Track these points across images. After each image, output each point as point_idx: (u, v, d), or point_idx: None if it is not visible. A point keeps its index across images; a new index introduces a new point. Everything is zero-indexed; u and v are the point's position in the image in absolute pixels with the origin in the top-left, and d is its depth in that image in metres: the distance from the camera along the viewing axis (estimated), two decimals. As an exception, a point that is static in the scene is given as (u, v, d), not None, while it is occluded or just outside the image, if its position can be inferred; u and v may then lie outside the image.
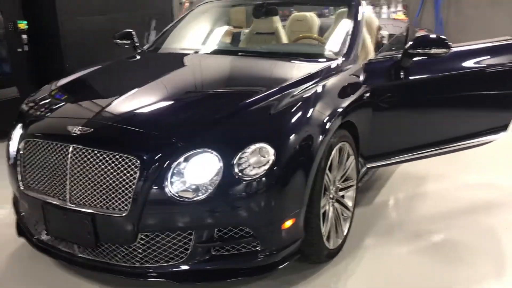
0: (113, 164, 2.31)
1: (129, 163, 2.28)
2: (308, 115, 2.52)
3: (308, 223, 2.51)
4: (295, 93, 2.64)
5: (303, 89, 2.70)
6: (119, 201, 2.29)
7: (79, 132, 2.43)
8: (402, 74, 3.29)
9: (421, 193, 3.76)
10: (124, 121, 2.53)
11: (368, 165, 3.30)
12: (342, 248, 2.89)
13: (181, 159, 2.29)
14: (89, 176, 2.35)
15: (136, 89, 2.82)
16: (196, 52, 3.68)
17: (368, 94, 3.08)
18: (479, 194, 3.72)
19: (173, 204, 2.26)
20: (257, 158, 2.30)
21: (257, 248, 2.36)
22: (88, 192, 2.35)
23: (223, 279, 2.42)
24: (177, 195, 2.26)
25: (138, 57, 3.73)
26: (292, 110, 2.50)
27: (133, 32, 4.20)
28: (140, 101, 2.74)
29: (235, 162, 2.27)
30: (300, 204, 2.42)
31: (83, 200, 2.37)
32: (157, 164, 2.27)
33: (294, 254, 2.50)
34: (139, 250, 2.36)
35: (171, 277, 2.37)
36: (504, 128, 3.64)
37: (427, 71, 3.39)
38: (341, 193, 2.89)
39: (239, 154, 2.29)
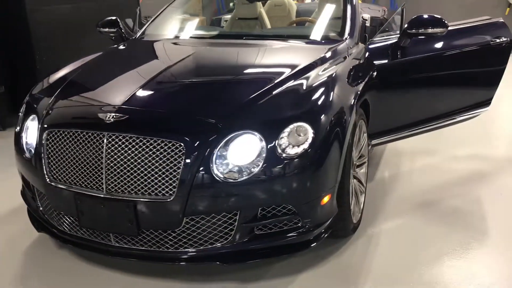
0: (154, 150, 2.28)
1: (173, 148, 2.27)
2: (338, 93, 2.60)
3: (340, 198, 2.60)
4: (319, 73, 2.71)
5: (325, 69, 2.77)
6: (164, 186, 2.28)
7: (113, 119, 2.38)
8: (399, 54, 3.43)
9: (416, 168, 3.94)
10: (160, 106, 2.51)
11: (373, 142, 3.43)
12: (360, 221, 3.01)
13: (225, 141, 2.30)
14: (128, 163, 2.31)
15: (158, 74, 2.78)
16: (200, 38, 3.67)
17: (375, 73, 3.20)
18: (470, 165, 3.96)
19: (219, 186, 2.28)
20: (295, 137, 2.35)
21: (298, 225, 2.42)
22: (128, 179, 2.31)
23: (266, 257, 2.47)
24: (222, 177, 2.27)
25: (137, 44, 3.67)
26: (323, 89, 2.56)
27: (119, 20, 4.11)
28: (168, 85, 2.71)
29: (277, 142, 2.31)
30: (335, 179, 2.50)
31: (122, 188, 2.33)
32: (201, 147, 2.27)
33: (327, 229, 2.59)
34: (184, 235, 2.35)
35: (217, 259, 2.39)
36: (487, 103, 3.88)
37: (420, 50, 3.55)
38: (357, 170, 3.00)
39: (280, 134, 2.33)
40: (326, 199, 2.46)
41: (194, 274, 2.59)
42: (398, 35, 3.45)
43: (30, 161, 2.64)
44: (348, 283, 2.50)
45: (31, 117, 2.77)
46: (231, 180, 2.28)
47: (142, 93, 2.58)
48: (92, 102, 2.66)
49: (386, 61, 3.41)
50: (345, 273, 2.58)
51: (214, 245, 2.37)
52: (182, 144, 2.27)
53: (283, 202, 2.36)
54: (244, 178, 2.28)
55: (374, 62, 3.30)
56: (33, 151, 2.64)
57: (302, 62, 2.84)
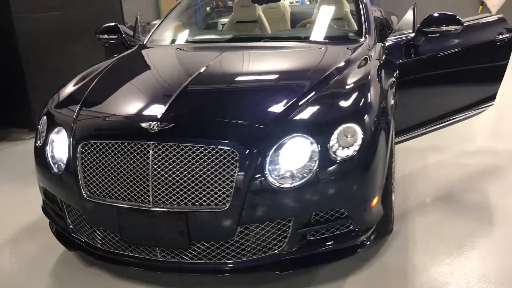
0: (205, 158, 2.20)
1: (226, 155, 2.19)
2: (376, 93, 2.57)
3: (384, 198, 2.57)
4: (353, 74, 2.68)
5: (357, 70, 2.74)
6: (217, 195, 2.20)
7: (158, 128, 2.28)
8: (413, 52, 3.46)
9: (430, 165, 3.98)
10: (206, 112, 2.42)
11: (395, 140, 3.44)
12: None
13: (277, 146, 2.24)
14: (177, 173, 2.21)
15: (191, 81, 2.68)
16: (215, 42, 3.59)
17: (397, 72, 3.20)
18: (482, 160, 4.03)
19: (274, 193, 2.21)
20: (344, 139, 2.31)
21: (350, 228, 2.38)
22: (177, 190, 2.22)
23: (320, 263, 2.42)
24: (277, 183, 2.21)
25: (152, 50, 3.58)
26: (364, 90, 2.54)
27: (120, 26, 4.00)
28: (206, 92, 2.63)
29: (329, 145, 2.27)
30: (382, 180, 2.47)
31: (170, 200, 2.24)
32: (254, 153, 2.20)
33: (373, 232, 2.56)
34: (237, 244, 2.28)
35: (271, 268, 2.32)
36: (492, 98, 3.95)
37: (432, 49, 3.58)
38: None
39: (331, 136, 2.29)
40: (375, 200, 2.43)
41: (240, 283, 2.51)
42: (413, 34, 3.47)
43: (60, 176, 2.51)
44: (396, 286, 2.47)
45: (55, 130, 2.63)
46: (285, 186, 2.22)
47: (181, 100, 2.48)
48: (127, 111, 2.55)
49: (402, 59, 3.42)
50: (391, 275, 2.56)
51: (267, 254, 2.30)
52: (235, 151, 2.19)
53: (337, 205, 2.31)
54: (298, 183, 2.22)
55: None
56: (63, 165, 2.51)
57: (333, 63, 2.80)
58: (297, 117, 2.34)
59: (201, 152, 2.21)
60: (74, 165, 2.42)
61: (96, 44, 5.83)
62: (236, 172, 2.18)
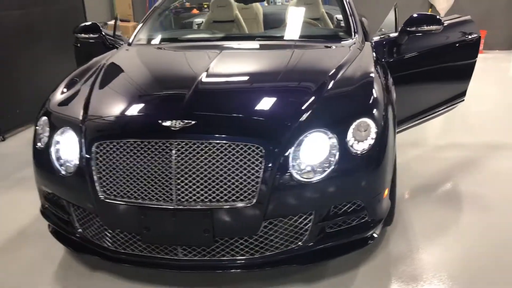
0: (230, 155, 2.21)
1: (251, 152, 2.21)
2: (381, 87, 2.68)
3: (391, 190, 2.68)
4: (356, 70, 2.77)
5: (360, 65, 2.84)
6: (243, 191, 2.21)
7: (179, 126, 2.26)
8: (396, 51, 3.60)
9: (410, 159, 4.15)
10: (227, 110, 2.43)
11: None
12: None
13: (299, 141, 2.28)
14: (201, 170, 2.21)
15: (200, 79, 2.67)
16: (208, 41, 3.59)
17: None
18: (457, 153, 4.25)
19: (297, 187, 2.25)
20: (359, 133, 2.39)
21: (365, 220, 2.46)
22: (201, 187, 2.22)
23: (338, 255, 2.47)
24: (300, 177, 2.25)
25: (147, 47, 3.56)
26: (372, 85, 2.63)
27: (100, 24, 3.91)
28: (220, 89, 2.63)
29: (346, 139, 2.34)
30: (392, 172, 2.57)
31: (194, 198, 2.23)
32: (278, 149, 2.24)
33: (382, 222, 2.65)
34: (261, 239, 2.30)
35: (293, 261, 2.36)
36: (463, 94, 4.19)
37: (413, 48, 3.74)
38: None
39: (348, 131, 2.36)
40: (386, 192, 2.53)
41: (257, 278, 2.54)
42: (395, 33, 3.61)
43: (69, 178, 2.43)
44: (404, 275, 2.58)
45: (60, 131, 2.54)
46: (307, 180, 2.27)
47: (197, 98, 2.48)
48: (142, 110, 2.51)
49: (387, 58, 3.55)
50: (398, 264, 2.66)
51: (289, 248, 2.34)
52: (260, 147, 2.21)
53: (354, 198, 2.39)
54: (320, 177, 2.28)
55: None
56: (72, 167, 2.43)
57: (335, 61, 2.88)
58: (315, 113, 2.39)
59: (225, 149, 2.22)
60: (88, 165, 2.35)
61: (59, 44, 5.67)
62: (262, 167, 2.20)
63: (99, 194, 2.33)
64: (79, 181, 2.40)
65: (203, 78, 2.68)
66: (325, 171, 2.29)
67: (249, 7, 5.03)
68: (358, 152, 2.35)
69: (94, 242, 2.48)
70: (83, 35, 3.85)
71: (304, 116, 2.36)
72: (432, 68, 3.94)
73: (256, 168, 2.21)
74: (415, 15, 3.54)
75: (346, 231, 2.43)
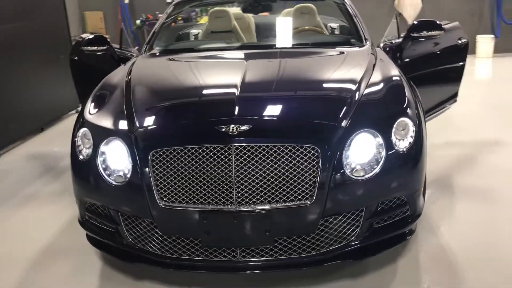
0: (287, 156, 2.30)
1: (307, 152, 2.31)
2: (409, 88, 2.85)
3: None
4: (383, 72, 2.92)
5: (384, 68, 3.00)
6: (301, 191, 2.30)
7: (237, 131, 2.33)
8: (399, 56, 3.80)
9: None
10: (278, 114, 2.53)
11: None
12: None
13: (349, 141, 2.40)
14: (260, 173, 2.29)
15: (243, 84, 2.74)
16: (225, 50, 3.73)
17: None
18: (449, 151, 4.48)
19: (351, 185, 2.37)
20: (399, 132, 2.53)
21: (407, 214, 2.60)
22: (260, 189, 2.29)
23: (385, 249, 2.58)
24: (352, 176, 2.37)
25: (171, 57, 3.60)
26: (402, 86, 2.80)
27: (107, 37, 3.92)
28: (263, 95, 2.73)
29: (391, 138, 2.47)
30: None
31: (253, 200, 2.30)
32: (333, 149, 2.35)
33: None
34: (318, 237, 2.39)
35: (346, 257, 2.46)
36: (456, 95, 4.44)
37: (413, 53, 3.96)
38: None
39: (392, 130, 2.49)
40: (422, 188, 2.68)
41: (308, 276, 2.62)
42: (399, 39, 3.81)
43: (121, 188, 2.45)
44: (441, 268, 2.72)
45: (105, 142, 2.55)
46: (359, 178, 2.38)
47: (244, 103, 2.56)
48: (196, 116, 2.57)
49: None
50: (433, 257, 2.79)
51: (342, 244, 2.44)
52: (316, 147, 2.31)
53: (399, 193, 2.51)
54: (370, 174, 2.39)
55: None
56: (124, 176, 2.45)
57: (361, 65, 3.02)
58: (359, 115, 2.51)
59: (283, 151, 2.30)
60: (143, 174, 2.38)
61: (46, 59, 5.58)
62: (319, 167, 2.30)
63: (158, 201, 2.36)
64: (133, 190, 2.42)
65: (243, 84, 2.75)
66: (374, 168, 2.41)
67: (241, 18, 5.13)
68: (401, 150, 2.48)
69: (147, 250, 2.49)
70: (89, 47, 3.84)
71: (351, 118, 2.48)
72: (429, 71, 4.17)
73: (313, 169, 2.31)
74: (417, 21, 3.74)
75: (391, 226, 2.55)
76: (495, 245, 2.90)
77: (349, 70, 3.04)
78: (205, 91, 2.89)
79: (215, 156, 2.32)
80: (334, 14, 4.91)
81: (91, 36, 3.87)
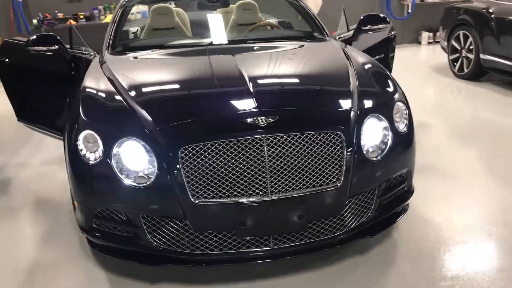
0: (314, 143, 2.42)
1: (331, 138, 2.45)
2: (390, 76, 3.13)
3: None
4: (363, 62, 3.15)
5: (361, 59, 3.23)
6: (329, 175, 2.43)
7: (267, 122, 2.39)
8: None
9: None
10: (298, 103, 2.65)
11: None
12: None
13: (363, 125, 2.57)
14: (291, 161, 2.38)
15: (249, 76, 2.78)
16: (199, 46, 3.70)
17: None
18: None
19: (369, 166, 2.56)
20: (397, 115, 2.76)
21: (405, 189, 2.85)
22: (292, 176, 2.38)
23: (391, 224, 2.80)
24: (369, 157, 2.55)
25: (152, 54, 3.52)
26: (386, 74, 3.11)
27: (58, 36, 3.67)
28: (274, 87, 2.81)
29: (393, 120, 2.70)
30: None
31: (286, 187, 2.38)
32: (352, 134, 2.51)
33: None
34: (342, 218, 2.53)
35: (364, 234, 2.65)
36: None
37: (361, 45, 4.26)
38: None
39: (393, 113, 2.72)
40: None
41: (318, 259, 2.75)
42: (349, 32, 4.09)
43: (144, 190, 2.38)
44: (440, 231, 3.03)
45: (118, 143, 2.45)
46: (375, 159, 2.57)
47: (263, 96, 2.63)
48: (218, 110, 2.57)
49: None
50: (428, 224, 3.09)
51: (359, 222, 2.61)
52: (339, 133, 2.46)
53: (402, 170, 2.75)
54: (382, 155, 2.60)
55: None
56: (147, 177, 2.39)
57: (341, 56, 3.23)
58: (364, 101, 2.70)
59: (310, 139, 2.42)
60: (174, 172, 2.34)
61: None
62: (344, 152, 2.45)
63: (191, 198, 2.33)
64: (161, 190, 2.37)
65: (250, 78, 2.78)
66: (383, 150, 2.62)
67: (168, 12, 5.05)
68: (401, 131, 2.72)
69: (173, 250, 2.44)
70: (37, 47, 3.57)
71: (359, 104, 2.66)
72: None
73: (338, 153, 2.45)
74: (365, 16, 4.02)
75: (394, 202, 2.79)
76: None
77: (335, 61, 3.22)
78: (213, 85, 2.89)
79: (247, 148, 2.35)
80: (280, 12, 5.06)
81: (46, 34, 3.58)
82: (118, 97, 2.72)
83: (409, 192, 2.88)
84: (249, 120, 2.41)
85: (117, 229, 2.53)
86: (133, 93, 2.73)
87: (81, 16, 8.72)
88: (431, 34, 9.80)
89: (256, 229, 2.41)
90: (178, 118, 2.54)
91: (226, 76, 2.97)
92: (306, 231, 2.47)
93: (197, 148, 2.35)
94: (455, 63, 6.92)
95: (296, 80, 3.00)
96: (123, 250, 2.58)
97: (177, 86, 2.89)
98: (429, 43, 9.87)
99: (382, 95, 2.84)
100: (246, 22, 4.40)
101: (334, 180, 2.44)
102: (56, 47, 3.56)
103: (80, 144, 2.53)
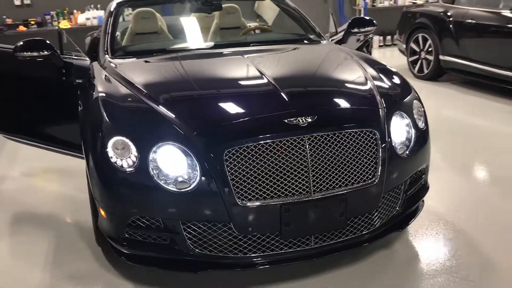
0: (351, 142, 2.46)
1: (366, 136, 2.51)
2: None
3: None
4: (368, 62, 3.22)
5: (362, 58, 3.31)
6: (367, 172, 2.48)
7: (306, 122, 2.40)
8: None
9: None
10: (329, 103, 2.70)
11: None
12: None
13: (390, 123, 2.64)
14: (331, 159, 2.41)
15: (272, 78, 2.78)
16: (202, 49, 3.65)
17: None
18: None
19: (399, 162, 2.63)
20: (415, 112, 2.86)
21: (423, 184, 2.95)
22: (333, 175, 2.41)
23: (414, 217, 2.86)
24: (398, 153, 2.63)
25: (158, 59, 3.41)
26: (396, 71, 3.20)
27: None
28: (304, 87, 2.87)
29: (414, 117, 2.80)
30: None
31: (327, 186, 2.40)
32: (384, 131, 2.57)
33: None
34: (376, 213, 2.59)
35: (394, 229, 2.72)
36: None
37: (350, 47, 4.37)
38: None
39: (413, 112, 2.82)
40: (428, 160, 3.07)
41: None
42: (338, 34, 4.19)
43: (187, 195, 2.33)
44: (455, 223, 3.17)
45: (155, 148, 2.38)
46: (403, 154, 2.66)
47: (294, 96, 2.63)
48: (258, 112, 2.55)
49: None
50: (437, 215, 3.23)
51: (389, 216, 2.68)
52: (374, 130, 2.52)
53: (422, 165, 2.85)
54: (409, 150, 2.68)
55: None
56: (188, 182, 2.33)
57: (346, 55, 3.31)
58: (386, 99, 2.77)
59: (347, 137, 2.46)
60: (218, 175, 2.31)
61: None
62: (379, 149, 2.51)
63: (237, 201, 2.30)
64: (205, 194, 2.32)
65: (275, 79, 2.77)
66: (408, 145, 2.70)
67: (150, 16, 4.96)
68: (420, 127, 2.83)
69: (216, 255, 2.40)
70: (27, 53, 3.39)
71: (384, 103, 2.73)
72: None
73: (373, 150, 2.51)
74: (353, 19, 4.12)
75: (415, 196, 2.87)
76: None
77: (345, 61, 3.26)
78: (240, 87, 2.87)
79: (289, 149, 2.36)
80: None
81: (36, 39, 3.39)
82: (144, 101, 2.64)
83: (426, 187, 2.98)
84: (289, 120, 2.41)
85: (152, 237, 2.45)
86: (159, 97, 2.65)
87: (32, 22, 8.33)
88: (381, 37, 10.20)
89: (300, 229, 2.41)
90: (218, 120, 2.50)
91: (248, 78, 2.95)
92: (346, 228, 2.50)
93: (241, 150, 2.33)
94: (415, 65, 7.25)
95: (318, 80, 3.02)
96: (158, 258, 2.50)
97: (203, 88, 2.84)
98: (380, 46, 10.27)
99: (400, 93, 2.93)
100: (229, 26, 4.40)
101: (370, 176, 2.50)
102: (47, 52, 3.40)
103: (110, 151, 2.43)
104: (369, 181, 2.49)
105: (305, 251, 2.46)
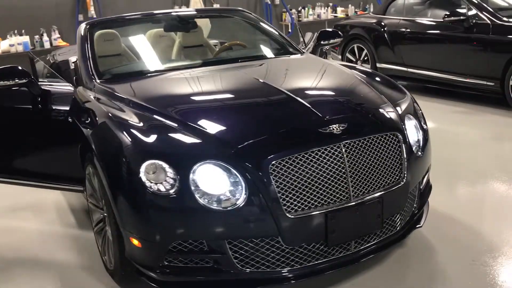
0: (379, 146, 2.57)
1: (392, 139, 2.63)
2: None
3: None
4: (357, 71, 3.37)
5: (347, 66, 3.48)
6: (396, 173, 2.59)
7: (340, 130, 2.46)
8: None
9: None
10: (353, 109, 2.81)
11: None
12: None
13: (405, 125, 2.78)
14: (365, 164, 2.49)
15: (286, 89, 2.83)
16: (193, 67, 3.56)
17: None
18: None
19: (418, 162, 2.78)
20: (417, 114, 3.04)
21: (429, 183, 3.12)
22: (367, 179, 2.49)
23: (423, 219, 2.98)
24: (415, 152, 2.77)
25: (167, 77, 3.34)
26: (389, 78, 3.39)
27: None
28: (323, 97, 2.93)
29: (420, 119, 2.97)
30: None
31: (364, 190, 2.48)
32: (404, 134, 2.70)
33: None
34: (402, 212, 2.70)
35: (413, 227, 2.83)
36: None
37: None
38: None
39: (418, 115, 2.99)
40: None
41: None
42: (308, 46, 4.32)
43: (233, 213, 2.29)
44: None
45: (195, 168, 2.32)
46: (420, 155, 2.81)
47: (318, 105, 2.70)
48: (289, 122, 2.58)
49: None
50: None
51: (410, 214, 2.80)
52: (398, 133, 2.64)
53: (429, 164, 3.02)
54: (421, 150, 2.83)
55: None
56: (232, 199, 2.29)
57: (338, 65, 3.44)
58: (394, 103, 2.91)
59: (376, 141, 2.56)
60: (264, 189, 2.29)
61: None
62: (403, 150, 2.64)
63: (286, 213, 2.29)
64: (253, 210, 2.30)
65: (286, 89, 2.84)
66: (420, 145, 2.86)
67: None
68: (424, 127, 3.00)
69: (264, 271, 2.37)
70: (9, 81, 3.16)
71: (395, 106, 2.86)
72: None
73: (398, 152, 2.63)
74: (321, 31, 4.27)
75: (424, 194, 3.03)
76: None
77: (340, 71, 3.37)
78: (259, 100, 2.89)
79: (328, 157, 2.40)
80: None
81: (12, 67, 3.14)
82: (166, 121, 2.56)
83: (429, 186, 3.15)
84: (323, 129, 2.46)
85: (194, 261, 2.37)
86: (184, 115, 2.61)
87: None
88: (309, 50, 10.57)
89: (344, 234, 2.46)
90: (256, 134, 2.49)
91: (264, 91, 2.94)
92: (382, 229, 2.58)
93: (284, 162, 2.34)
94: (352, 74, 7.61)
95: (330, 89, 3.11)
96: (200, 283, 2.42)
97: (226, 104, 2.80)
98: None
99: (402, 97, 3.09)
100: (192, 45, 4.37)
101: (398, 177, 2.61)
102: (25, 80, 3.18)
103: (143, 177, 2.33)
104: (399, 181, 2.60)
105: (348, 256, 2.50)
